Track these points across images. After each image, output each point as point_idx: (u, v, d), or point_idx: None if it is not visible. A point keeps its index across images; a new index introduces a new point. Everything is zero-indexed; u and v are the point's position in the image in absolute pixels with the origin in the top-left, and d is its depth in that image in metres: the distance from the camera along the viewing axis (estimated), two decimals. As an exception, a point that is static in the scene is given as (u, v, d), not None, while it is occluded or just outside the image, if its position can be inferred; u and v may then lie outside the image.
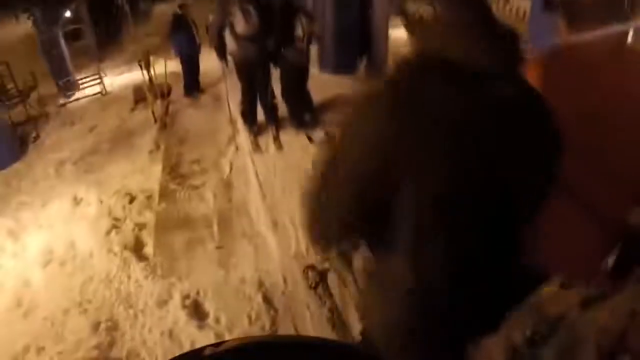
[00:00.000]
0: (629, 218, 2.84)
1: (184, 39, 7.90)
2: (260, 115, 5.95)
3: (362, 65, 7.94)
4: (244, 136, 6.09)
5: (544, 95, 1.26)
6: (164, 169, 5.55)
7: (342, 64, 7.77)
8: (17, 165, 7.25)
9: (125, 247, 4.05)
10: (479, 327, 1.19)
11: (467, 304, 1.28)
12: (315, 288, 3.19)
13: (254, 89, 5.71)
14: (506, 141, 1.12)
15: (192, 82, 8.46)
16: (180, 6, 8.01)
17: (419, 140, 1.06)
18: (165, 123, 7.26)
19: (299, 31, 5.32)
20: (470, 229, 1.16)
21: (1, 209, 5.73)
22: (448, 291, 1.23)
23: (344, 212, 1.24)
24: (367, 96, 1.18)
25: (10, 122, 8.37)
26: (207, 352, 1.44)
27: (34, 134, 8.54)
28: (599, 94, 1.62)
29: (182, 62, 8.23)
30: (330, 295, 3.03)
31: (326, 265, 3.03)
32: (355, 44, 7.82)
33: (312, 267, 3.26)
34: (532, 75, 1.61)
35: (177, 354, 1.42)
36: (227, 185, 5.08)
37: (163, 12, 14.04)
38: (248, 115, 5.99)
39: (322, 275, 3.17)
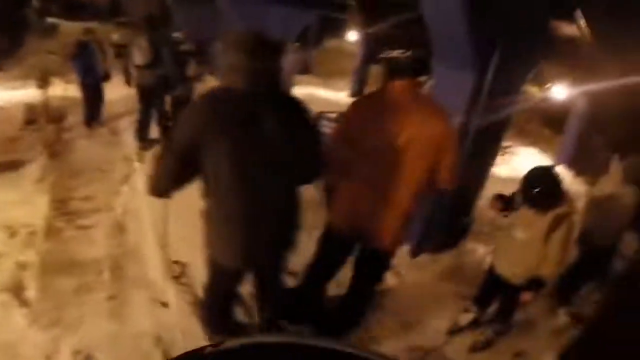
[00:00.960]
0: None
1: (87, 65, 7.67)
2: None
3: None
4: (140, 175, 6.03)
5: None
6: (50, 203, 5.25)
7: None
8: None
9: (4, 289, 3.71)
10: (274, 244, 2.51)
11: (259, 228, 2.33)
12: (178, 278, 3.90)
13: (148, 109, 7.14)
14: (269, 125, 2.16)
15: (91, 112, 8.14)
16: (86, 31, 7.83)
17: (216, 123, 2.10)
18: (55, 151, 6.89)
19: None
20: (252, 173, 2.22)
21: None
22: (243, 217, 2.30)
23: (173, 167, 2.24)
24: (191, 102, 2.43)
25: None
26: (207, 352, 1.49)
27: None
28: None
29: (82, 89, 7.92)
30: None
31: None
32: None
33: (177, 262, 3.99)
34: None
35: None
36: (120, 227, 4.93)
37: (72, 30, 13.41)
38: (141, 131, 7.20)
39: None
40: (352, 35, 14.87)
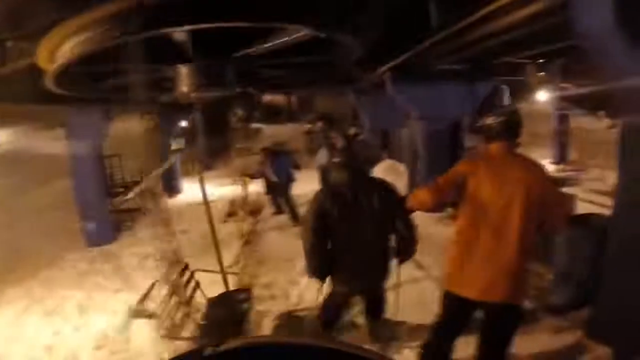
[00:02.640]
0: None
1: (276, 168, 8.94)
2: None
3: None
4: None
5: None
6: (236, 286, 5.74)
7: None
8: (105, 248, 7.91)
9: None
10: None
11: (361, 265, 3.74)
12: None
13: None
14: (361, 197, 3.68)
15: (279, 205, 9.27)
16: (278, 144, 9.21)
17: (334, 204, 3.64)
18: (249, 241, 7.63)
19: None
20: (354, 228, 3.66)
21: (80, 282, 6.19)
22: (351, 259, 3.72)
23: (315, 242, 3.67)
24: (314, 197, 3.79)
25: (111, 208, 9.23)
26: (207, 352, 1.46)
27: (129, 224, 9.32)
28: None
29: (270, 188, 9.29)
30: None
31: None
32: None
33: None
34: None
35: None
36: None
37: (272, 132, 15.25)
38: None
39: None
40: (542, 96, 14.07)
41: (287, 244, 7.55)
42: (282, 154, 8.98)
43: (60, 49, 4.07)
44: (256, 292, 5.67)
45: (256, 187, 9.45)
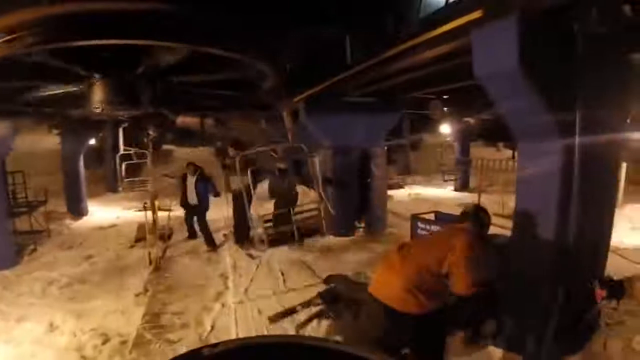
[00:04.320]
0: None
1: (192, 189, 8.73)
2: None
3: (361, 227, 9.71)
4: (232, 293, 6.23)
5: None
6: (144, 315, 5.52)
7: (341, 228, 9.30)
8: (6, 273, 7.29)
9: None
10: None
11: None
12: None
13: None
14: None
15: (193, 229, 9.07)
16: (194, 168, 8.85)
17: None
18: (158, 267, 7.35)
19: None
20: None
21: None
22: None
23: None
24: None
25: (13, 230, 8.54)
26: (206, 352, 1.41)
27: (32, 247, 8.67)
28: None
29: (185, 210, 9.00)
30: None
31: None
32: (353, 212, 9.57)
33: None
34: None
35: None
36: (206, 344, 4.99)
37: (184, 155, 14.92)
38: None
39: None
40: (446, 129, 15.04)
41: (199, 270, 7.38)
42: (204, 178, 8.78)
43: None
44: (166, 320, 5.47)
45: (165, 211, 9.18)
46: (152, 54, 5.47)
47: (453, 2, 4.55)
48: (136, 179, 15.32)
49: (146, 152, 14.59)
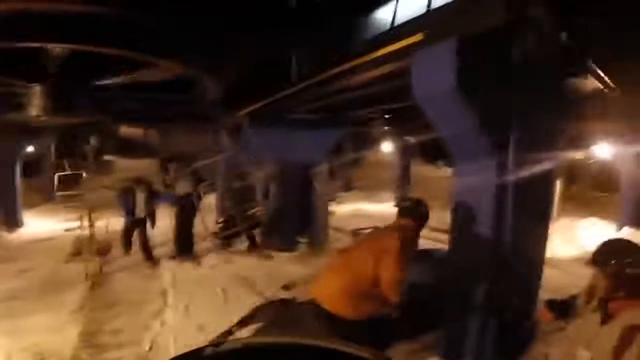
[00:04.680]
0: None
1: (131, 203, 8.56)
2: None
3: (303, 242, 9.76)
4: (172, 310, 6.23)
5: None
6: (81, 334, 5.39)
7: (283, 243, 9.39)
8: None
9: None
10: None
11: None
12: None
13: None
14: None
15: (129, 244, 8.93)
16: (136, 180, 8.74)
17: None
18: (96, 283, 7.20)
19: None
20: None
21: None
22: None
23: None
24: None
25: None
26: (207, 352, 1.43)
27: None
28: None
29: (124, 223, 8.86)
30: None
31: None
32: (295, 227, 9.62)
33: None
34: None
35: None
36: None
37: (126, 166, 14.57)
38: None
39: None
40: (387, 147, 15.42)
41: (138, 286, 7.28)
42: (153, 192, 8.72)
43: None
44: (103, 339, 5.38)
45: (110, 224, 8.99)
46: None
47: (398, 25, 4.78)
48: (71, 192, 14.82)
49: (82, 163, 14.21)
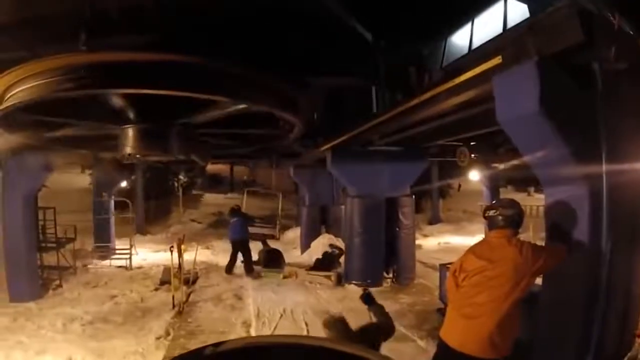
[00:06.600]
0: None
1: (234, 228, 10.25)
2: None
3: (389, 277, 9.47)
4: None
5: None
6: (164, 359, 5.41)
7: (368, 277, 9.04)
8: (30, 305, 7.48)
9: None
10: None
11: None
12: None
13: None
14: None
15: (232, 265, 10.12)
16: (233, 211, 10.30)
17: None
18: (181, 311, 7.40)
19: None
20: None
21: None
22: None
23: None
24: None
25: (40, 264, 8.83)
26: (207, 352, 1.40)
27: (57, 282, 8.88)
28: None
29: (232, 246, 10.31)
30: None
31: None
32: (381, 261, 9.30)
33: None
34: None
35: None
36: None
37: (213, 201, 15.16)
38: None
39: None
40: (474, 175, 14.86)
41: (222, 316, 7.27)
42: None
43: (9, 91, 4.07)
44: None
45: (198, 256, 9.34)
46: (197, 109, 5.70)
47: (474, 49, 4.62)
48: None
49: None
